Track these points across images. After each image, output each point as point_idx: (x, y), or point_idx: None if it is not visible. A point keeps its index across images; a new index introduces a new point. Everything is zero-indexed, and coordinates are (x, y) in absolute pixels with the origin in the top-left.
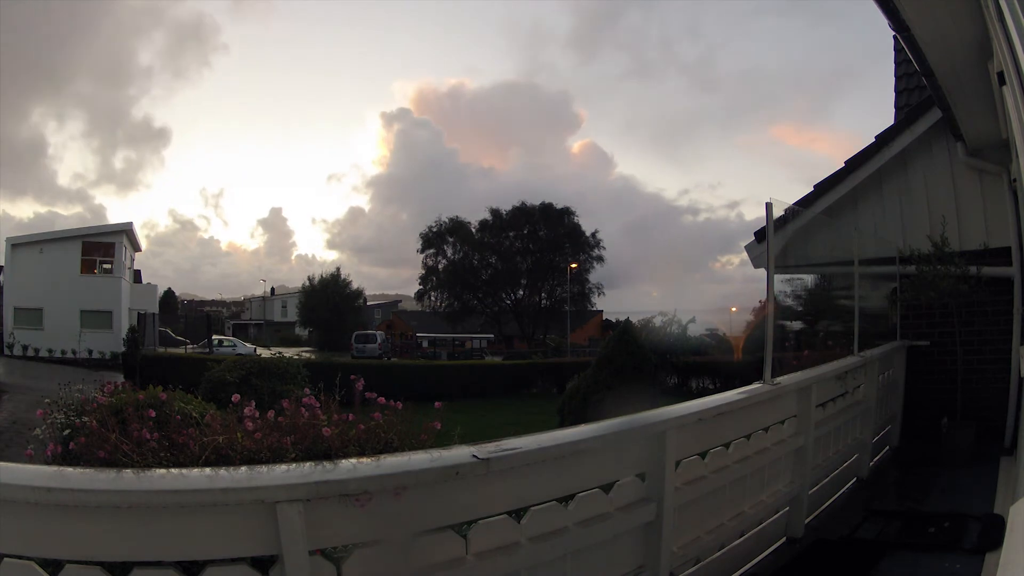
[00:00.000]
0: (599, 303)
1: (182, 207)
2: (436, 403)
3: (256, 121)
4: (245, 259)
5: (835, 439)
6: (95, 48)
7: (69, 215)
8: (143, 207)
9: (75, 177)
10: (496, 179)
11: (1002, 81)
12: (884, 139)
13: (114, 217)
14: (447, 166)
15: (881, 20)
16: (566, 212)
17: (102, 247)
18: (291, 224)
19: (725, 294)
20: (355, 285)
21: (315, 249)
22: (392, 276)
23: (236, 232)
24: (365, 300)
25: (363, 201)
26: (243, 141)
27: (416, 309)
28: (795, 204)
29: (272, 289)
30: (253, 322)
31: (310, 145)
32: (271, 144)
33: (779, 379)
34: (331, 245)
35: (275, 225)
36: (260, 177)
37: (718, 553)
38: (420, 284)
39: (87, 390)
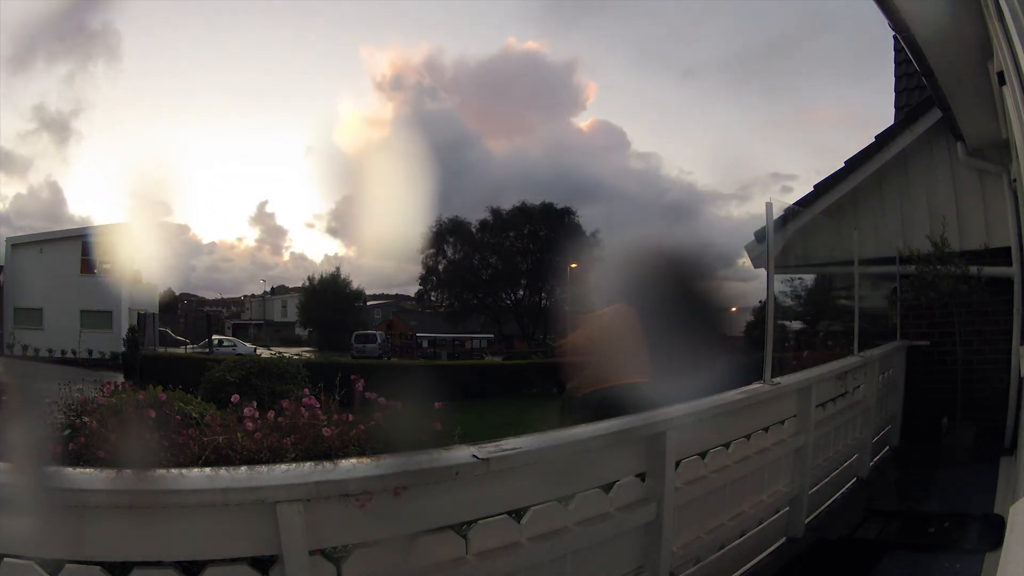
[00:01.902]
0: None
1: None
2: (436, 403)
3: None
4: (236, 256)
5: (835, 439)
6: None
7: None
8: (104, 191)
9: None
10: (493, 157)
11: (1002, 81)
12: (884, 139)
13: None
14: (449, 138)
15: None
16: (566, 212)
17: (102, 247)
18: (283, 218)
19: (744, 292)
20: (355, 284)
21: (312, 243)
22: (401, 270)
23: (223, 227)
24: (365, 300)
25: (360, 186)
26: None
27: (416, 309)
28: (795, 204)
29: (272, 288)
30: (253, 322)
31: (282, 127)
32: (231, 125)
33: (779, 379)
34: (328, 237)
35: (263, 219)
36: (237, 168)
37: (718, 553)
38: (420, 284)
39: (87, 390)
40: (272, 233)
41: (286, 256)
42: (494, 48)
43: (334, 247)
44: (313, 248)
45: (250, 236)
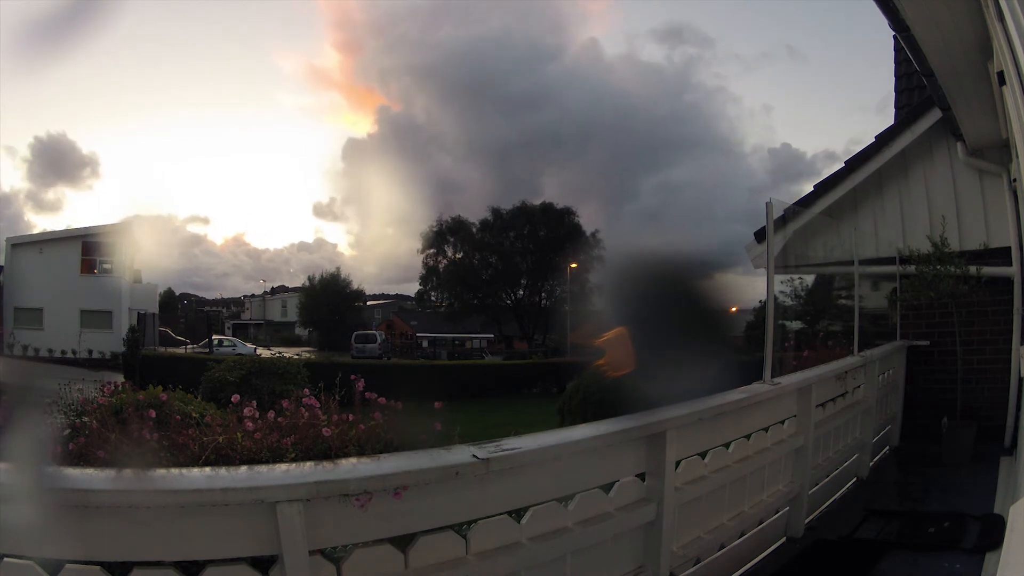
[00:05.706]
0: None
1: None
2: (436, 403)
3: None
4: (233, 255)
5: (835, 439)
6: None
7: None
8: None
9: None
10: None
11: (1002, 81)
12: (884, 139)
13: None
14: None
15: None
16: (567, 212)
17: (102, 247)
18: (278, 214)
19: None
20: (355, 284)
21: (311, 238)
22: (415, 260)
23: (217, 224)
24: (365, 300)
25: (356, 175)
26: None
27: (416, 309)
28: (795, 204)
29: (272, 288)
30: (253, 322)
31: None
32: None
33: (779, 379)
34: (326, 231)
35: (256, 216)
36: (223, 154)
37: (718, 553)
38: (420, 284)
39: (87, 390)
40: (266, 227)
41: (282, 247)
42: None
43: (331, 232)
44: (316, 241)
45: (246, 235)
